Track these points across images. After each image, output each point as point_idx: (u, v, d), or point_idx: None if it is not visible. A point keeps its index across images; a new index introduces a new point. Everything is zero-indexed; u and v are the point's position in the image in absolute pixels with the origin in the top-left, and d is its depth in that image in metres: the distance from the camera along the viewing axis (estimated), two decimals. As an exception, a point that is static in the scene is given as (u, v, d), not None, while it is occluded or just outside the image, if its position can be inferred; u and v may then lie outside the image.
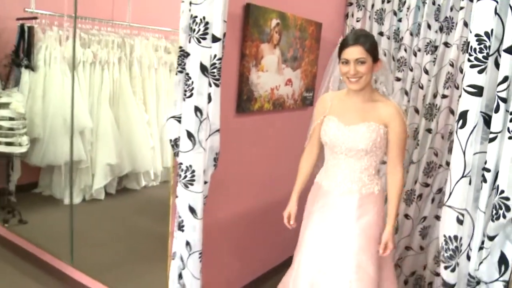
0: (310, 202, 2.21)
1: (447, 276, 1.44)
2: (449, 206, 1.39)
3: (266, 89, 2.56)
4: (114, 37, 3.94)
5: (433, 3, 2.95)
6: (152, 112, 4.13)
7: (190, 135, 1.85)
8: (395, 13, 3.19)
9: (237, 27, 2.31)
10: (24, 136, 3.38)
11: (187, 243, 2.01)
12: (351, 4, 3.38)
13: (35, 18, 3.62)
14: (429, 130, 3.01)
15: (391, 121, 1.97)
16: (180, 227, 2.02)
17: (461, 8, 2.75)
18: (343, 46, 1.95)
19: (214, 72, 1.83)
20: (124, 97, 4.00)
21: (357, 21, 3.35)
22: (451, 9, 2.86)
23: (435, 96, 2.98)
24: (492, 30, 1.32)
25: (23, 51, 3.64)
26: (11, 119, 3.32)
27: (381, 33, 3.24)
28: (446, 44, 2.91)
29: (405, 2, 3.12)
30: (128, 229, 3.55)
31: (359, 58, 1.90)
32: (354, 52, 1.90)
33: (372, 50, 1.94)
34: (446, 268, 1.43)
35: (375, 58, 1.95)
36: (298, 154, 2.27)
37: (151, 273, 2.83)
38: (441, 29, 2.93)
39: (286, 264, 3.30)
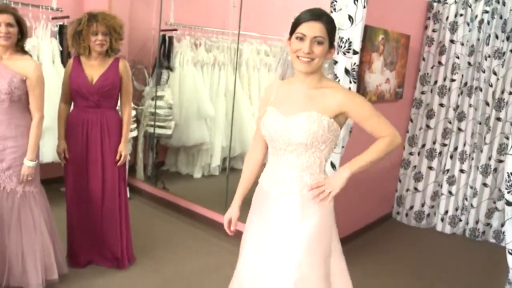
0: (253, 205, 2.08)
1: (509, 197, 2.57)
2: (510, 154, 2.53)
3: (373, 86, 3.73)
4: (228, 43, 5.17)
5: (500, 18, 4.04)
6: (255, 105, 5.30)
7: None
8: (468, 24, 4.27)
9: (357, 41, 3.47)
10: (172, 121, 4.70)
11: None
12: (429, 18, 4.49)
13: (175, 29, 4.94)
14: (498, 119, 4.15)
15: (346, 104, 1.80)
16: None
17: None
18: (301, 20, 1.76)
19: (354, 74, 3.06)
20: (235, 92, 5.22)
21: (433, 31, 4.45)
22: (517, 22, 3.97)
23: (502, 92, 4.09)
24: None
25: (164, 56, 4.95)
26: (164, 108, 4.64)
27: (452, 41, 4.33)
28: (512, 51, 4.01)
29: (476, 16, 4.21)
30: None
31: (318, 37, 1.73)
32: (314, 28, 1.73)
33: (332, 33, 1.78)
34: (508, 192, 2.57)
35: (331, 44, 1.80)
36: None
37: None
38: (507, 38, 4.02)
39: (384, 218, 4.51)
